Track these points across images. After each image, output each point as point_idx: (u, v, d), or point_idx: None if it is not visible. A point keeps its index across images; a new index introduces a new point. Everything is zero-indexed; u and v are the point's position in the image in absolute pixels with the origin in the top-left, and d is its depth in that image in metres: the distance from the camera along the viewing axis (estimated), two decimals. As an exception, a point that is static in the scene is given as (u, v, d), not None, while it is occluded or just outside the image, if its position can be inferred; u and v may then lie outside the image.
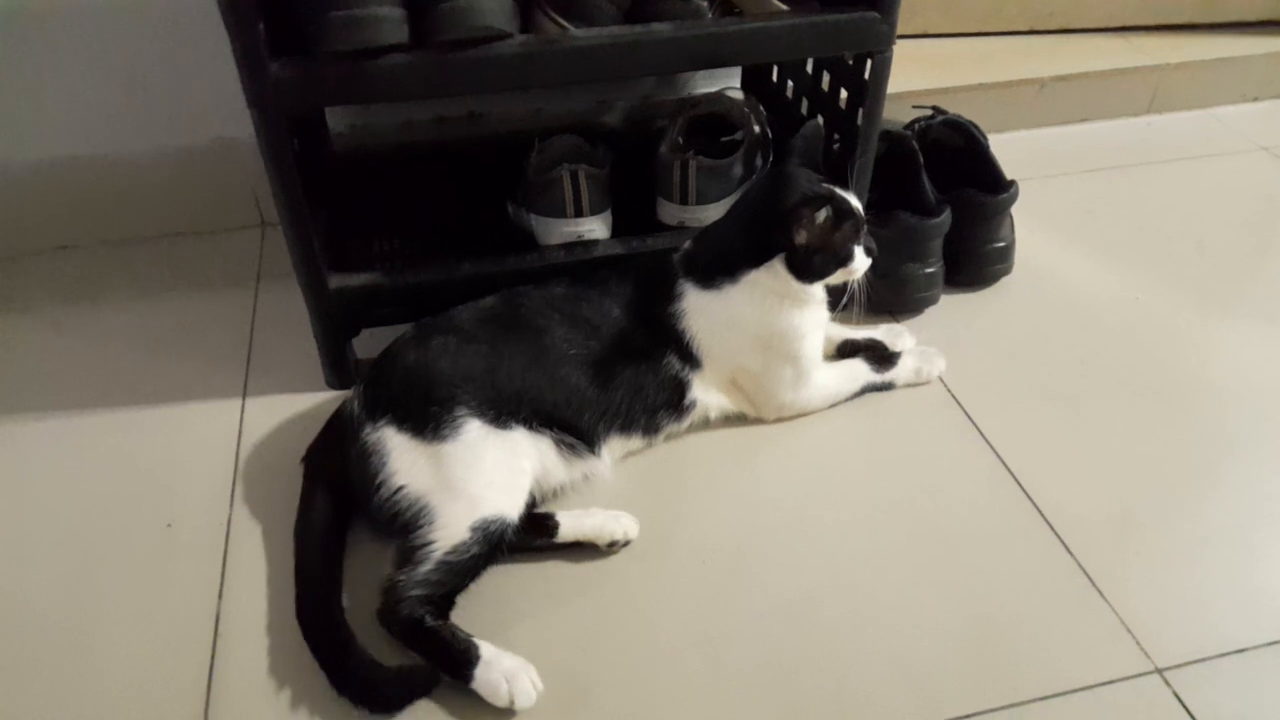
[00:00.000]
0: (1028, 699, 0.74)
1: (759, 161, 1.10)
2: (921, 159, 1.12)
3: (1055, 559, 0.85)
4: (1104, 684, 0.75)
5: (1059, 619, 0.80)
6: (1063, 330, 1.11)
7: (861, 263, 0.91)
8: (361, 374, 0.92)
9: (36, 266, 1.21)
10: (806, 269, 0.88)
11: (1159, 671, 0.76)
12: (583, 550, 0.83)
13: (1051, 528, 0.88)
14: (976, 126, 1.19)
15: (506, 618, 0.78)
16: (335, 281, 0.94)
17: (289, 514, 0.84)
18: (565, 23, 0.86)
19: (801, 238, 0.86)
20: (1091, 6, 1.54)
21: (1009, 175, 1.14)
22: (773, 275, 0.89)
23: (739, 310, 0.90)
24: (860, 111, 0.98)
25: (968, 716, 0.73)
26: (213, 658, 0.77)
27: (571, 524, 0.82)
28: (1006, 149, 1.19)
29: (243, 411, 0.99)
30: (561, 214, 0.99)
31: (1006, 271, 1.17)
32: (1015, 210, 1.15)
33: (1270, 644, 0.78)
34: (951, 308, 1.13)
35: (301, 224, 0.88)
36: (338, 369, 1.00)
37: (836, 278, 0.91)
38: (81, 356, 1.07)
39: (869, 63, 0.94)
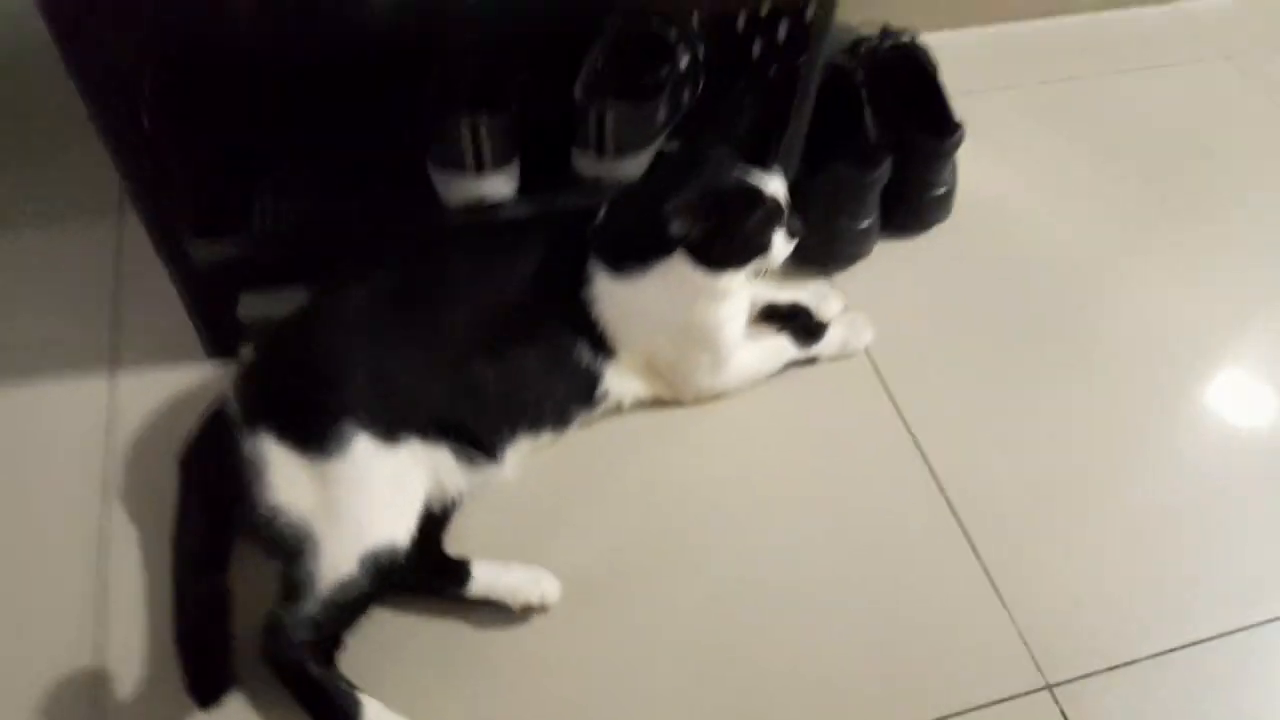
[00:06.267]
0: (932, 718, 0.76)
1: (687, 97, 0.98)
2: (865, 98, 1.01)
3: (962, 562, 0.85)
4: (999, 701, 0.77)
5: (961, 628, 0.81)
6: (997, 287, 1.06)
7: (782, 250, 0.83)
8: (248, 336, 0.83)
9: None
10: (715, 262, 0.80)
11: (1049, 688, 0.78)
12: (487, 607, 0.77)
13: (962, 526, 0.87)
14: (927, 54, 1.08)
15: (397, 667, 0.75)
16: (202, 251, 0.83)
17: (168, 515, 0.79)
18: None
19: (687, 236, 0.78)
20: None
21: (960, 87, 1.05)
22: (680, 268, 0.81)
23: (652, 302, 0.83)
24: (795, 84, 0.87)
25: (863, 738, 0.75)
26: (95, 697, 0.73)
27: (486, 578, 0.77)
28: (951, 52, 1.09)
29: (111, 388, 0.90)
30: (461, 168, 0.87)
31: (945, 218, 1.10)
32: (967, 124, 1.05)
33: (1154, 656, 0.80)
34: (884, 258, 1.06)
35: (150, 194, 0.76)
36: (217, 338, 0.90)
37: (754, 267, 0.83)
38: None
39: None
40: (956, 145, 1.04)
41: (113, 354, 0.92)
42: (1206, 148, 1.23)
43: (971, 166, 1.10)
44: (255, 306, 0.91)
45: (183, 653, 0.72)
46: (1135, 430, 0.95)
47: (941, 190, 1.07)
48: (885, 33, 1.09)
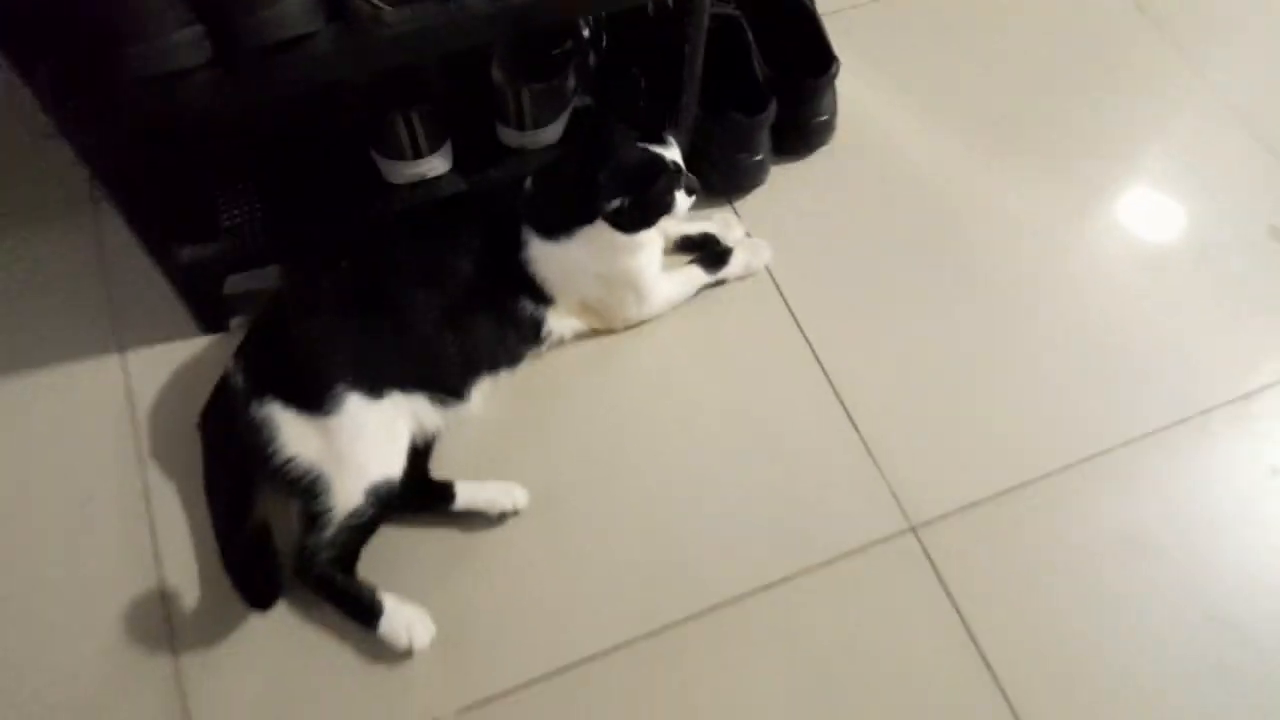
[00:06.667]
0: (813, 564, 0.98)
1: (592, 61, 1.11)
2: (753, 46, 1.15)
3: (841, 432, 1.06)
4: (873, 544, 1.00)
5: (839, 485, 1.02)
6: (877, 200, 1.23)
7: (683, 205, 1.00)
8: (234, 311, 0.99)
9: None
10: (629, 226, 0.97)
11: (913, 529, 1.01)
12: (472, 517, 0.97)
13: (841, 402, 1.07)
14: (806, -8, 1.20)
15: (405, 568, 0.94)
16: (188, 255, 0.97)
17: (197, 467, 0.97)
18: (378, 1, 0.83)
19: (613, 217, 0.94)
20: None
21: (830, 9, 1.21)
22: (602, 231, 0.97)
23: (579, 259, 0.99)
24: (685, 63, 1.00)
25: (778, 582, 0.97)
26: (170, 622, 0.92)
27: (467, 495, 0.96)
28: None
29: (123, 366, 1.05)
30: (401, 156, 1.01)
31: (829, 140, 1.26)
32: (838, 40, 1.19)
33: (999, 494, 1.03)
34: (777, 182, 1.23)
35: (142, 219, 0.90)
36: (207, 318, 1.05)
37: (662, 223, 1.00)
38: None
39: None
40: (834, 78, 1.19)
41: (117, 337, 1.07)
42: (1061, 48, 1.38)
43: (849, 84, 1.23)
44: (238, 284, 1.06)
45: (232, 576, 0.91)
46: (995, 310, 1.15)
47: (824, 117, 1.23)
48: (768, -28, 1.21)
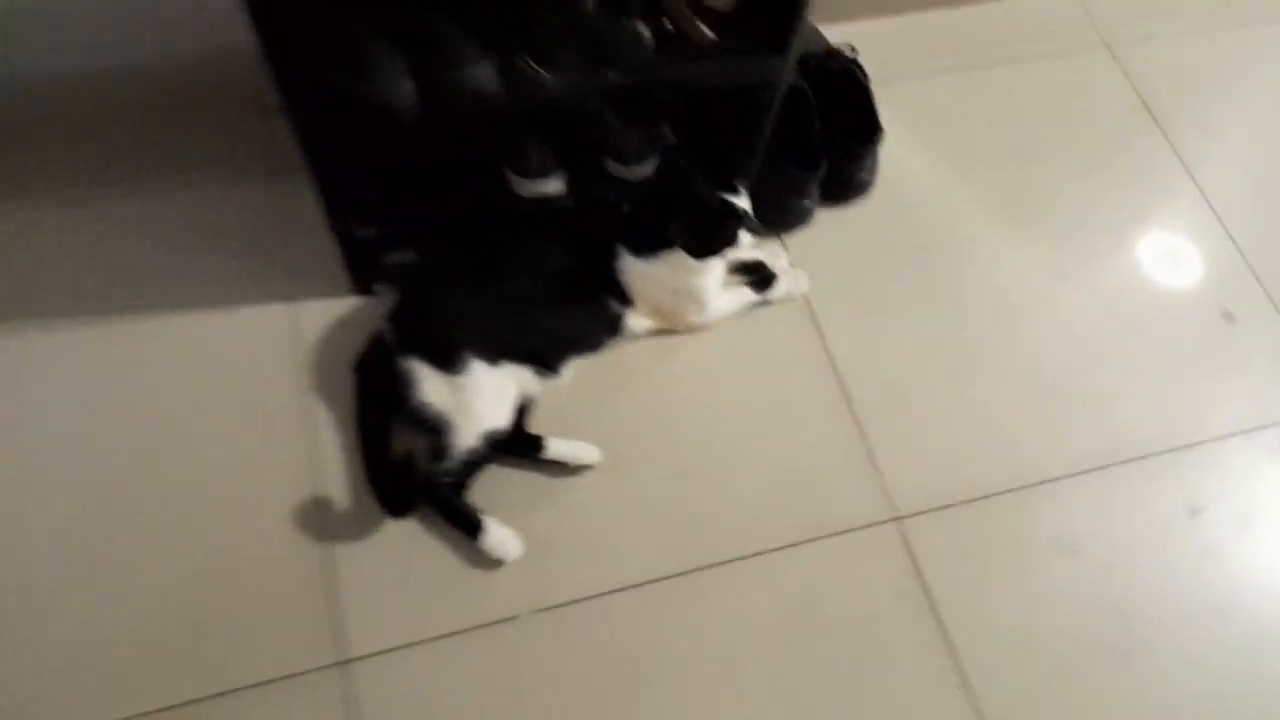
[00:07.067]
0: (812, 536, 1.26)
1: (682, 113, 1.37)
2: (816, 114, 1.40)
3: (843, 425, 1.32)
4: (861, 528, 1.27)
5: (833, 475, 1.29)
6: (902, 244, 1.49)
7: (744, 240, 1.26)
8: (378, 279, 1.28)
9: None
10: (700, 254, 1.24)
11: (896, 520, 1.28)
12: (557, 466, 1.25)
13: (848, 399, 1.34)
14: (863, 69, 1.46)
15: (503, 499, 1.22)
16: (360, 234, 1.25)
17: (348, 400, 1.25)
18: (537, 67, 1.09)
19: (688, 246, 1.22)
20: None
21: (880, 75, 1.46)
22: (678, 255, 1.24)
23: (660, 275, 1.26)
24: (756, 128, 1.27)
25: (783, 547, 1.24)
26: (321, 513, 1.21)
27: (554, 448, 1.24)
28: (874, 39, 1.50)
29: (290, 315, 1.33)
30: (529, 175, 1.28)
31: (867, 193, 1.51)
32: (886, 103, 1.45)
33: (985, 497, 1.30)
34: (820, 224, 1.49)
35: (337, 204, 1.17)
36: (360, 283, 1.33)
37: (728, 254, 1.26)
38: (137, 252, 1.36)
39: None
40: (877, 144, 1.44)
41: (289, 290, 1.35)
42: (1073, 133, 1.64)
43: (890, 145, 1.48)
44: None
45: (375, 489, 1.20)
46: (988, 349, 1.41)
47: (865, 174, 1.49)
48: (830, 53, 1.46)
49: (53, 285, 1.33)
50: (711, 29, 1.16)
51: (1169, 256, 1.54)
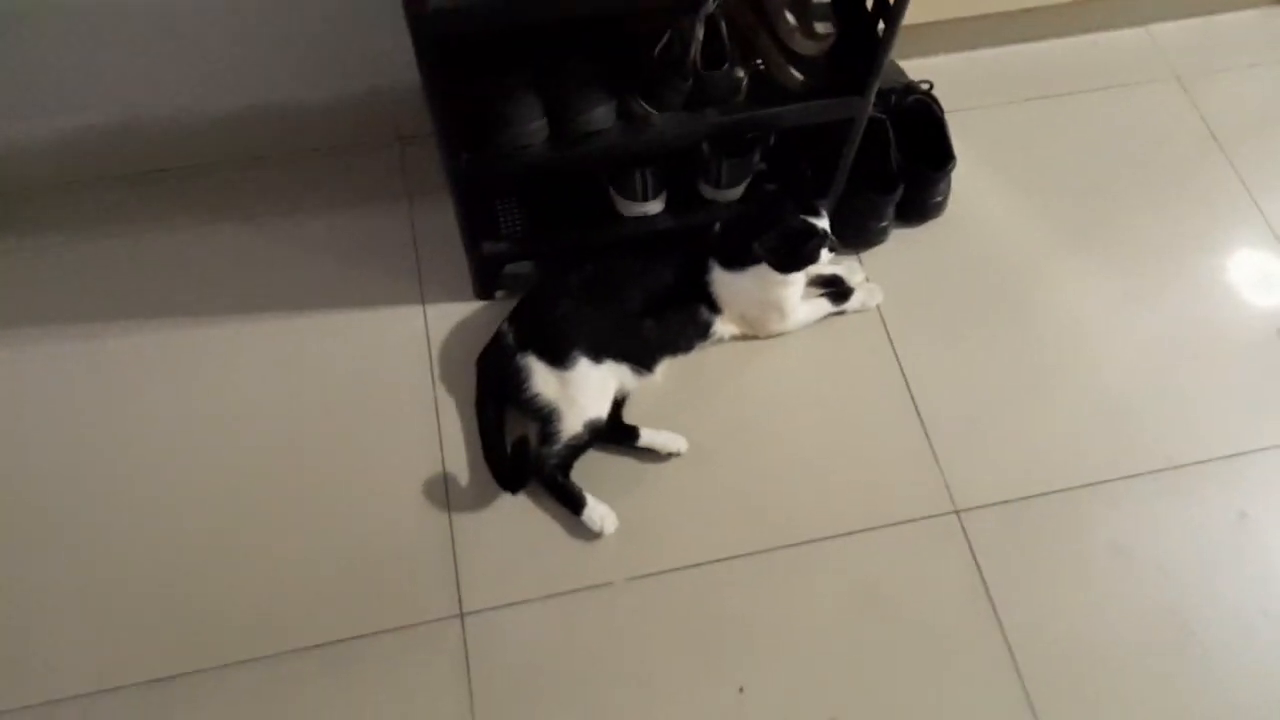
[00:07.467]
0: (878, 524, 1.39)
1: (771, 142, 1.52)
2: (893, 143, 1.54)
3: (914, 433, 1.45)
4: (924, 518, 1.40)
5: (907, 473, 1.43)
6: (971, 264, 1.61)
7: (825, 258, 1.41)
8: (498, 287, 1.47)
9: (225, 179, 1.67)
10: (785, 269, 1.39)
11: (957, 513, 1.41)
12: (649, 453, 1.42)
13: (914, 403, 1.47)
14: (938, 102, 1.59)
15: (602, 480, 1.39)
16: (487, 248, 1.44)
17: (471, 391, 1.44)
18: (648, 107, 1.27)
19: (774, 262, 1.37)
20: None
21: (955, 104, 1.59)
22: (765, 269, 1.39)
23: (747, 287, 1.42)
24: (840, 160, 1.42)
25: (849, 533, 1.38)
26: (446, 485, 1.40)
27: (647, 437, 1.40)
28: (951, 72, 1.65)
29: (425, 317, 1.53)
30: (633, 197, 1.45)
31: (940, 216, 1.64)
32: (961, 133, 1.58)
33: (1042, 495, 1.41)
34: (895, 242, 1.62)
35: (474, 225, 1.37)
36: (484, 290, 1.53)
37: (810, 269, 1.41)
38: (297, 262, 1.58)
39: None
40: (950, 172, 1.57)
41: (423, 296, 1.55)
42: (1141, 161, 1.73)
43: (962, 170, 1.61)
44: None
45: (491, 468, 1.38)
46: (1049, 361, 1.52)
47: (939, 199, 1.62)
48: (908, 88, 1.60)
49: (236, 290, 1.57)
50: (800, 72, 1.32)
51: (1230, 280, 1.62)
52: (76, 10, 1.40)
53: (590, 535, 1.36)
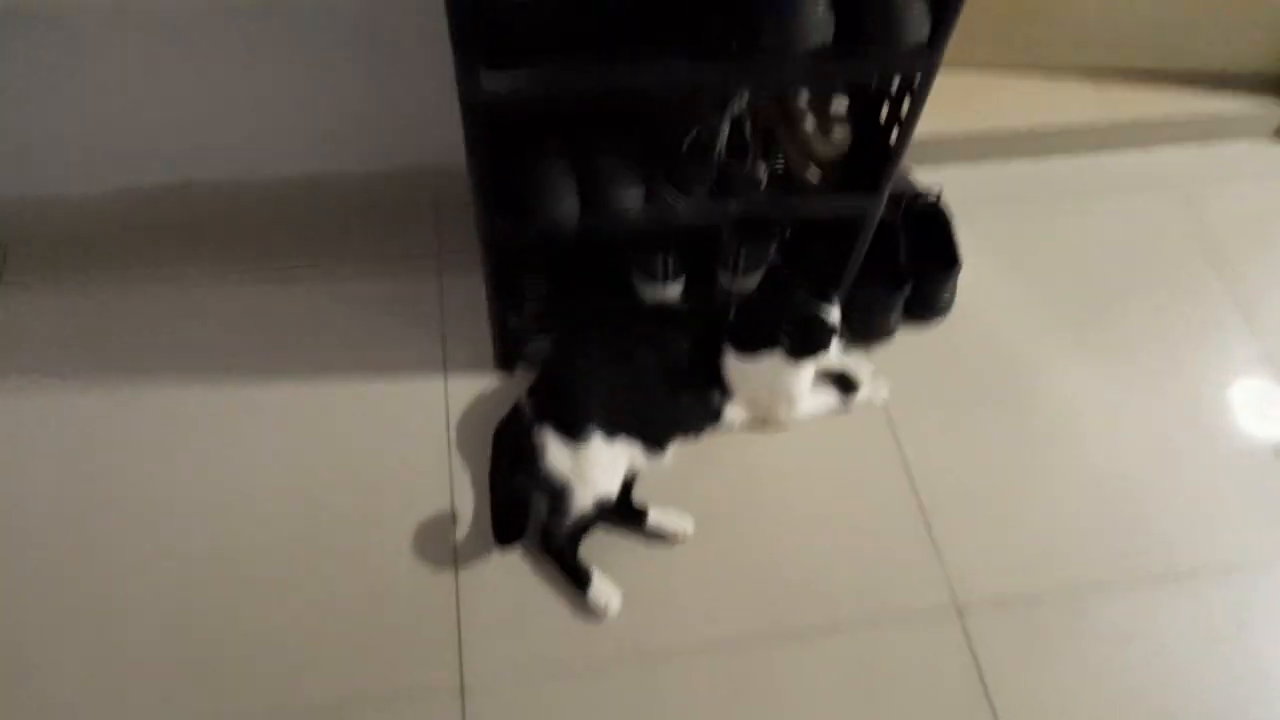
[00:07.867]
0: (873, 619, 1.40)
1: (787, 236, 1.59)
2: (903, 244, 1.61)
3: (915, 528, 1.48)
4: (921, 611, 1.41)
5: (906, 568, 1.44)
6: (974, 362, 1.66)
7: (835, 349, 1.46)
8: (517, 361, 1.52)
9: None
10: (797, 357, 1.44)
11: (956, 606, 1.41)
12: (655, 537, 1.44)
13: (917, 497, 1.50)
14: (947, 210, 1.67)
15: (608, 558, 1.41)
16: (512, 323, 1.49)
17: (486, 463, 1.47)
18: (676, 193, 1.34)
19: (786, 350, 1.42)
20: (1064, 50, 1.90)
21: (963, 209, 1.66)
22: (777, 357, 1.44)
23: (758, 372, 1.47)
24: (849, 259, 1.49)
25: (844, 624, 1.39)
26: (455, 549, 1.42)
27: (655, 519, 1.43)
28: (960, 180, 1.73)
29: (446, 386, 1.57)
30: (654, 279, 1.51)
31: (946, 313, 1.70)
32: (969, 237, 1.65)
33: (1041, 593, 1.43)
34: (901, 338, 1.68)
35: (502, 296, 1.42)
36: (504, 361, 1.57)
37: (818, 359, 1.46)
38: (326, 321, 1.64)
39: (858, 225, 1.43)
40: (957, 273, 1.64)
41: (445, 364, 1.60)
42: (1142, 271, 1.80)
43: (969, 267, 1.68)
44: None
45: (495, 532, 1.40)
46: (1050, 460, 1.56)
47: (945, 296, 1.68)
48: (919, 194, 1.68)
49: (266, 345, 1.63)
50: (819, 170, 1.39)
51: (1224, 397, 1.66)
52: (151, 79, 1.52)
53: (594, 614, 1.37)
